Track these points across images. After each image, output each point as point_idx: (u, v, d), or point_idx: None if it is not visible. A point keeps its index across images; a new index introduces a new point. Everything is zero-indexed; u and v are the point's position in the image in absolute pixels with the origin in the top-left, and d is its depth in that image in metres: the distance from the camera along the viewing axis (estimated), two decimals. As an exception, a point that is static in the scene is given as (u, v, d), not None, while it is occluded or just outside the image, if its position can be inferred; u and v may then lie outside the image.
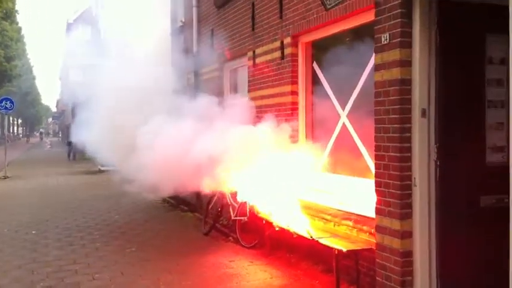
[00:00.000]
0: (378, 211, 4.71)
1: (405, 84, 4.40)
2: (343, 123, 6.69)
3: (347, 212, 6.43)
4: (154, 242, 8.64)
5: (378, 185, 4.69)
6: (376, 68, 4.68)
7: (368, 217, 5.98)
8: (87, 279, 6.64)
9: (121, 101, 11.31)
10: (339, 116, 6.76)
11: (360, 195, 6.26)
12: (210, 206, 9.30)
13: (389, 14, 4.49)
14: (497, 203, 4.42)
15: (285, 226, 6.88)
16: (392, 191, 4.49)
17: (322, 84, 7.17)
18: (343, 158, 6.74)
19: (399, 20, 4.38)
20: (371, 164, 6.13)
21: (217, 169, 7.86)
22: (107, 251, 8.12)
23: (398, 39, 4.39)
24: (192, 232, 9.42)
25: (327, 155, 7.11)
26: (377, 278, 4.73)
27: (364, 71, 6.19)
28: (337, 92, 6.85)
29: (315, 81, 7.39)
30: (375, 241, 5.48)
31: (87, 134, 11.89)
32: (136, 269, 7.07)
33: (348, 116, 6.60)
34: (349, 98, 6.52)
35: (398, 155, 4.42)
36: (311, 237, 6.20)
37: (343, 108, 6.68)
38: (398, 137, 4.41)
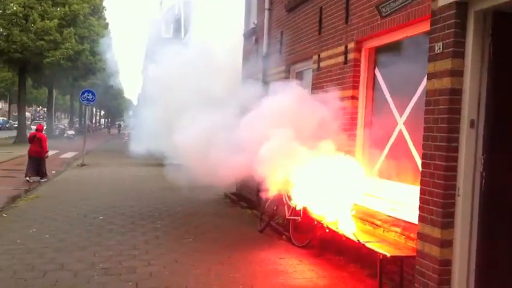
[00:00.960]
0: (421, 218, 4.74)
1: (455, 94, 4.42)
2: (400, 130, 6.70)
3: (397, 219, 6.46)
4: (211, 235, 8.95)
5: (422, 192, 4.72)
6: (429, 76, 4.71)
7: (416, 224, 5.99)
8: (143, 265, 7.02)
9: (190, 98, 11.76)
10: (396, 123, 6.78)
11: (411, 202, 6.26)
12: (267, 205, 9.51)
13: (443, 23, 4.52)
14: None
15: (334, 228, 6.98)
16: (436, 199, 4.51)
17: (382, 90, 7.21)
18: (398, 164, 6.76)
19: (453, 30, 4.40)
20: (423, 172, 6.13)
21: (277, 168, 8.09)
22: (166, 239, 8.51)
23: (451, 48, 4.41)
24: (248, 228, 9.66)
25: (382, 161, 7.14)
26: (415, 284, 4.76)
27: (423, 79, 6.17)
28: (396, 98, 6.87)
29: (375, 87, 7.43)
30: (420, 249, 5.55)
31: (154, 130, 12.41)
32: (191, 258, 7.39)
33: (404, 123, 6.61)
34: (407, 105, 6.53)
35: (444, 163, 4.44)
36: (358, 241, 6.27)
37: (401, 115, 6.69)
38: (445, 146, 4.43)
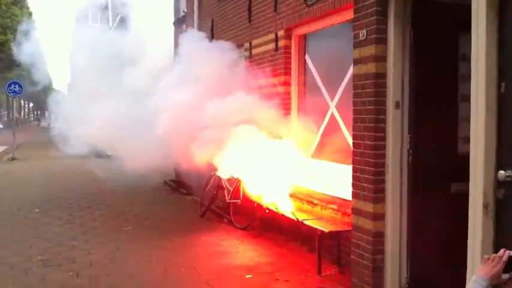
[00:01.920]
0: (354, 195, 5.07)
1: (380, 78, 4.74)
2: (332, 113, 7.03)
3: (332, 196, 6.81)
4: (151, 222, 9.04)
5: (354, 170, 5.05)
6: (355, 62, 5.02)
7: (351, 201, 6.36)
8: (83, 254, 7.04)
9: (117, 87, 11.63)
10: (328, 106, 7.11)
11: (345, 180, 6.62)
12: (207, 190, 9.69)
13: (366, 11, 4.82)
14: (468, 190, 4.77)
15: (274, 209, 7.27)
16: (367, 176, 4.85)
17: (313, 76, 7.52)
18: (331, 145, 7.10)
19: (375, 17, 4.71)
20: (354, 151, 6.50)
21: (214, 152, 8.27)
22: (105, 229, 8.53)
23: (374, 35, 4.72)
24: (189, 214, 9.81)
25: (316, 143, 7.47)
26: (351, 256, 5.10)
27: (351, 63, 6.50)
28: (326, 83, 7.19)
29: (306, 72, 7.73)
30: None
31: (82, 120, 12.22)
32: (131, 245, 7.46)
33: (336, 106, 6.94)
34: (337, 89, 6.86)
35: (373, 143, 4.77)
36: (297, 219, 6.59)
37: (332, 99, 7.01)
38: (374, 126, 4.76)
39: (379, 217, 4.80)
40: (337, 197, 6.72)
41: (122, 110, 10.98)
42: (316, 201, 7.03)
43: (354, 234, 5.08)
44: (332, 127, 7.06)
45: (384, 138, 4.76)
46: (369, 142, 4.82)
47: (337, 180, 6.85)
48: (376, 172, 4.78)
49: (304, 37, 7.79)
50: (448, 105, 4.80)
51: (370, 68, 4.76)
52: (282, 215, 7.07)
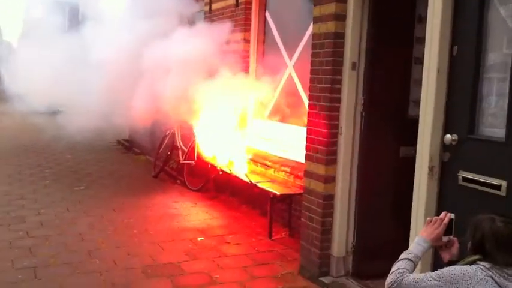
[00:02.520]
0: (307, 157, 4.98)
1: (339, 37, 4.60)
2: (290, 74, 6.89)
3: (286, 159, 6.73)
4: (104, 182, 8.83)
5: (308, 132, 4.94)
6: (314, 20, 4.85)
7: (304, 164, 6.29)
8: (32, 214, 6.82)
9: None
10: (286, 66, 6.95)
11: (299, 143, 6.53)
12: (161, 150, 9.49)
13: (328, -33, 4.64)
14: (415, 154, 4.74)
15: (228, 170, 7.15)
16: (321, 138, 4.75)
17: (272, 34, 7.32)
18: (287, 106, 6.99)
19: (336, -27, 4.54)
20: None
21: (171, 111, 8.05)
22: (56, 188, 8.27)
23: (335, -7, 4.56)
24: (142, 174, 9.63)
25: (273, 104, 7.33)
26: (302, 219, 5.04)
27: (311, 22, 6.33)
28: (285, 42, 7.01)
29: (266, 30, 7.52)
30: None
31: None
32: (83, 206, 7.27)
33: (294, 66, 6.79)
34: (296, 49, 6.70)
35: (328, 104, 4.66)
36: (250, 181, 6.48)
37: (290, 58, 6.86)
38: (329, 87, 4.64)
39: (330, 179, 4.74)
40: (291, 160, 6.64)
41: (75, 65, 10.52)
42: (269, 164, 6.94)
43: (305, 197, 5.02)
44: (289, 88, 6.93)
45: (339, 100, 4.66)
46: (324, 103, 4.70)
47: (291, 142, 6.77)
48: (329, 134, 4.69)
49: (264, -7, 7.57)
50: (402, 68, 4.71)
51: (330, 26, 4.61)
52: (236, 177, 6.95)
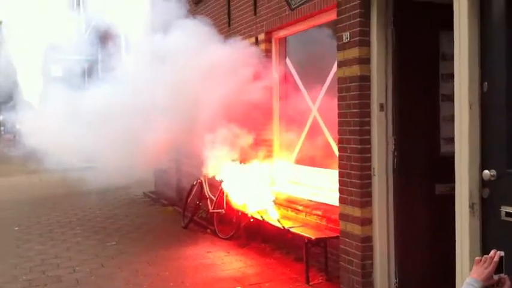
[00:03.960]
0: (341, 200, 4.99)
1: (364, 80, 4.68)
2: (314, 117, 6.96)
3: (317, 202, 6.73)
4: (134, 236, 8.85)
5: (341, 175, 4.96)
6: (339, 65, 4.95)
7: (336, 206, 6.28)
8: (68, 272, 6.84)
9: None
10: (310, 110, 7.03)
11: (329, 185, 6.55)
12: (189, 200, 9.53)
13: (349, 13, 4.76)
14: (451, 191, 4.72)
15: (259, 217, 7.15)
16: (354, 180, 4.77)
17: (294, 79, 7.43)
18: (314, 150, 7.02)
19: (358, 19, 4.65)
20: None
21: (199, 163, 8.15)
22: (88, 245, 8.31)
23: (358, 37, 4.66)
24: (172, 225, 9.64)
25: (299, 148, 7.38)
26: (340, 262, 5.01)
27: (332, 66, 6.44)
28: (308, 86, 7.12)
29: (287, 76, 7.65)
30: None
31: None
32: (116, 261, 7.29)
33: (318, 109, 6.87)
34: (319, 92, 6.79)
35: (358, 146, 4.70)
36: (283, 227, 6.47)
37: (314, 103, 6.94)
38: (359, 130, 4.69)
39: (366, 222, 4.73)
40: (322, 203, 6.64)
41: (98, 118, 10.70)
42: (300, 208, 6.94)
43: (342, 240, 5.00)
44: (314, 131, 6.98)
45: (369, 141, 4.69)
46: (354, 146, 4.74)
47: (321, 185, 6.78)
48: (362, 176, 4.71)
49: (284, 40, 7.72)
50: (430, 105, 4.77)
51: (355, 70, 4.69)
52: (267, 223, 6.94)
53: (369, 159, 4.70)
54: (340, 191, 4.98)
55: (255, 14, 8.00)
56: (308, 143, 7.17)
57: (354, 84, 4.74)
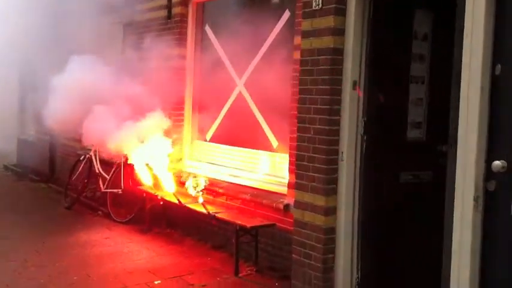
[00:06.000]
0: (298, 186, 4.47)
1: (337, 53, 4.18)
2: (240, 92, 6.33)
3: (242, 186, 6.15)
4: (11, 219, 7.51)
5: (299, 158, 4.44)
6: (304, 35, 4.39)
7: (267, 191, 5.78)
8: None
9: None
10: (235, 84, 6.38)
11: (258, 167, 6.02)
12: (74, 177, 8.39)
13: (322, -23, 4.20)
14: (414, 179, 4.46)
15: (173, 200, 6.39)
16: (317, 165, 4.27)
17: (216, 50, 6.70)
18: (237, 128, 6.42)
19: (335, -17, 4.11)
20: (270, 135, 5.91)
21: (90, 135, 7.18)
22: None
23: (334, 5, 4.13)
24: (51, 206, 8.44)
25: (217, 125, 6.72)
26: (294, 255, 4.51)
27: (267, 36, 5.87)
28: (233, 58, 6.43)
29: (207, 46, 6.90)
30: (276, 216, 5.35)
31: None
32: (-1, 249, 6.09)
33: (245, 84, 6.25)
34: (248, 66, 6.17)
35: (326, 127, 4.21)
36: (208, 212, 5.80)
37: (240, 77, 6.30)
38: (328, 109, 4.19)
39: (330, 211, 4.26)
40: (247, 186, 6.08)
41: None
42: (220, 191, 6.31)
43: (297, 230, 4.49)
44: (239, 107, 6.36)
45: (338, 122, 4.22)
46: (321, 126, 4.24)
47: (244, 167, 6.23)
48: (328, 160, 4.23)
49: (202, 4, 6.94)
50: (400, 87, 4.42)
51: (327, 42, 4.16)
52: (187, 208, 6.19)
53: (337, 142, 4.23)
54: (298, 176, 4.46)
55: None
56: (229, 120, 6.53)
57: (324, 57, 4.21)
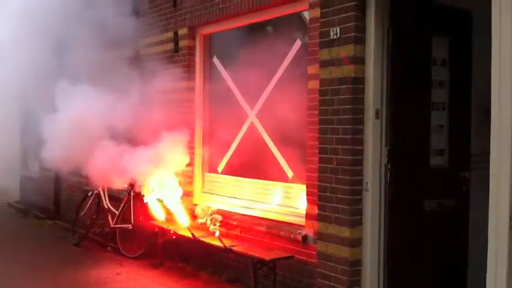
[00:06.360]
0: (320, 218, 4.38)
1: (358, 82, 4.14)
2: (251, 123, 6.27)
3: (257, 217, 6.04)
4: (20, 257, 7.34)
5: (322, 190, 4.36)
6: (323, 64, 4.36)
7: (284, 222, 5.68)
8: None
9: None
10: (246, 115, 6.33)
11: (273, 199, 5.93)
12: (82, 213, 8.26)
13: (339, 6, 4.19)
14: (439, 207, 4.39)
15: (187, 234, 6.26)
16: (341, 196, 4.20)
17: (225, 81, 6.67)
18: (250, 159, 6.34)
19: (353, 13, 4.10)
20: (285, 166, 5.84)
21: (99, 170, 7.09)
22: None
23: (352, 34, 4.11)
24: (59, 243, 8.30)
25: (229, 157, 6.63)
26: (316, 289, 4.40)
27: (279, 66, 5.84)
28: (243, 89, 6.39)
29: (214, 77, 6.87)
30: (294, 248, 5.22)
31: None
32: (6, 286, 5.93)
33: (257, 115, 6.19)
34: (259, 96, 6.12)
35: (349, 157, 4.14)
36: (225, 246, 5.68)
37: (252, 107, 6.25)
38: (350, 138, 4.13)
39: (356, 243, 4.17)
40: (262, 218, 5.97)
41: None
42: (234, 223, 6.20)
43: (321, 263, 4.39)
44: (251, 138, 6.29)
45: (361, 152, 4.15)
46: (343, 156, 4.17)
47: (260, 198, 6.13)
48: (352, 191, 4.15)
49: (209, 36, 6.93)
50: (421, 114, 4.37)
51: (347, 71, 4.12)
52: (202, 241, 6.06)
53: (361, 172, 4.16)
54: (321, 207, 4.37)
55: (175, 6, 7.11)
56: (242, 151, 6.44)
57: (344, 86, 4.17)
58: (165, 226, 6.63)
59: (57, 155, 7.57)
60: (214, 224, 5.85)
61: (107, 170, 7.10)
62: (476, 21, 4.42)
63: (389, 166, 4.18)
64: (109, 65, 8.03)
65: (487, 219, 3.35)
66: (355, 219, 4.16)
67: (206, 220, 5.90)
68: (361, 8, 4.12)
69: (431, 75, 4.38)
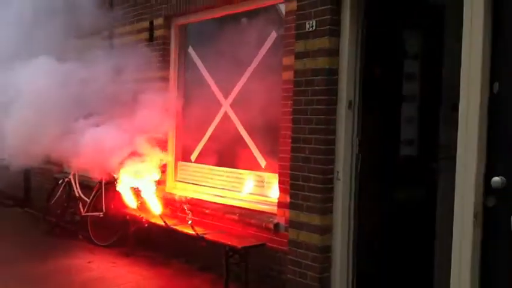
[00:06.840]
0: (293, 206, 4.48)
1: (332, 74, 4.23)
2: (225, 113, 6.33)
3: (228, 206, 6.11)
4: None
5: (294, 178, 4.45)
6: (298, 56, 4.44)
7: (256, 210, 5.76)
8: None
9: None
10: (220, 105, 6.38)
11: (246, 187, 6.01)
12: (53, 201, 8.20)
13: (315, -1, 4.27)
14: (408, 196, 4.52)
15: (159, 222, 6.29)
16: (313, 184, 4.29)
17: (200, 71, 6.70)
18: (222, 148, 6.40)
19: (329, 6, 4.19)
20: (258, 155, 5.92)
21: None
22: None
23: (328, 27, 4.20)
24: (30, 231, 8.21)
25: (203, 146, 6.68)
26: (288, 275, 4.51)
27: (254, 57, 5.90)
28: (218, 79, 6.44)
29: (190, 67, 6.89)
30: (265, 236, 5.32)
31: None
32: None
33: (231, 105, 6.25)
34: (234, 86, 6.17)
35: (322, 147, 4.24)
36: (197, 234, 5.73)
37: (226, 97, 6.31)
38: (324, 128, 4.23)
39: (326, 230, 4.28)
40: (235, 206, 6.03)
41: None
42: (207, 211, 6.25)
43: (292, 250, 4.48)
44: (225, 128, 6.34)
45: (333, 142, 4.25)
46: (316, 146, 4.27)
47: (230, 186, 6.20)
48: (324, 180, 4.25)
49: (185, 27, 6.94)
50: (392, 105, 4.50)
51: (321, 62, 4.22)
52: (173, 229, 6.10)
53: (332, 162, 4.26)
54: (293, 195, 4.47)
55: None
56: (215, 140, 6.50)
57: (319, 78, 4.26)
58: (137, 214, 6.64)
59: (23, 141, 7.43)
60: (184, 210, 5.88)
61: (78, 157, 7.06)
62: (449, 15, 4.54)
63: (360, 156, 4.28)
64: (81, 53, 7.98)
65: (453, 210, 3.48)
66: (326, 207, 4.27)
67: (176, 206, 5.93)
68: (337, 1, 4.21)
69: (403, 68, 4.49)
